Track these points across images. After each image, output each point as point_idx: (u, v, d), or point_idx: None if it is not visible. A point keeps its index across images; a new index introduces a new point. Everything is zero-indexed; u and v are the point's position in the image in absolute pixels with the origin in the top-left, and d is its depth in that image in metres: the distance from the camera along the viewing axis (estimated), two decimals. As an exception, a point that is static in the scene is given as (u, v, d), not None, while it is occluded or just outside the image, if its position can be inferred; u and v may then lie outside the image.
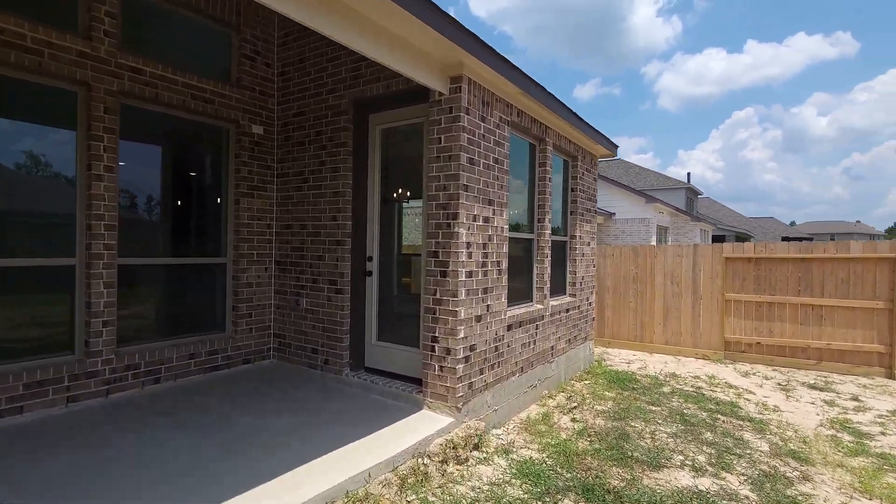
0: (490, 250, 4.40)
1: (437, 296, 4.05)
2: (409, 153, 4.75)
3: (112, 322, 4.06)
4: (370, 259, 4.82)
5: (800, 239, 41.90)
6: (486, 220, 4.33)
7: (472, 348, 4.13)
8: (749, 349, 7.77)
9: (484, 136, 4.27)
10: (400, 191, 4.80)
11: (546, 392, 5.58)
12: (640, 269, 8.74)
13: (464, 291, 4.01)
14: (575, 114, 5.70)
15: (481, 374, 4.28)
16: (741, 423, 4.81)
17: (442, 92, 3.97)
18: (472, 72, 4.02)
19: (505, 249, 4.66)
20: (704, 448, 4.09)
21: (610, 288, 8.99)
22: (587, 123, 6.10)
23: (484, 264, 4.30)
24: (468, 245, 4.07)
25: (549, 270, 5.60)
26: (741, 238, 32.55)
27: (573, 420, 4.71)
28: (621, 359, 7.91)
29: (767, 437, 4.47)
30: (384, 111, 4.67)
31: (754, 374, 6.99)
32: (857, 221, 76.58)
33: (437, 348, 4.04)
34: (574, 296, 6.48)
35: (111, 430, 3.47)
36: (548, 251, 5.59)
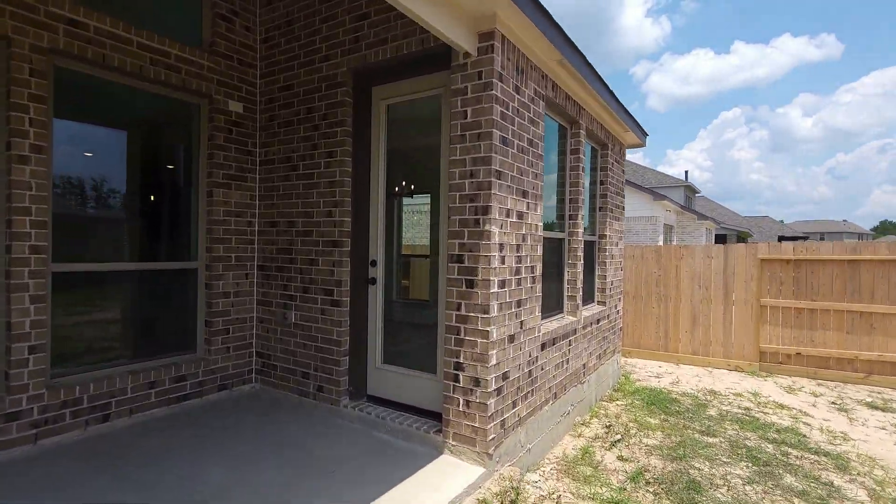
0: (524, 253, 3.56)
1: (462, 311, 3.19)
2: (423, 134, 3.89)
3: (43, 347, 3.15)
4: (374, 263, 3.95)
5: (795, 238, 41.71)
6: (521, 215, 3.49)
7: (504, 376, 3.29)
8: (787, 360, 7.03)
9: (518, 111, 3.42)
10: (411, 180, 3.93)
11: (579, 418, 4.76)
12: (664, 272, 7.97)
13: (496, 306, 3.16)
14: (612, 93, 4.88)
15: (514, 407, 3.44)
16: (817, 458, 4.03)
17: (469, 52, 3.12)
18: (506, 28, 3.17)
19: (539, 252, 3.82)
20: (795, 501, 3.30)
21: (630, 292, 8.21)
22: (623, 106, 5.29)
23: (518, 271, 3.46)
24: (501, 247, 3.22)
25: (581, 276, 4.78)
26: (742, 237, 32.12)
27: (621, 459, 3.89)
28: (648, 372, 7.13)
29: (857, 479, 3.69)
30: (391, 82, 3.80)
31: (800, 389, 6.24)
32: (844, 221, 77.26)
33: (461, 378, 3.19)
34: (604, 303, 5.67)
35: (18, 498, 2.57)
36: (580, 253, 4.77)
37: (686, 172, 32.71)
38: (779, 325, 7.10)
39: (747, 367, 7.23)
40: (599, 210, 5.69)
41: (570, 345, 4.52)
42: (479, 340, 3.13)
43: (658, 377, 6.80)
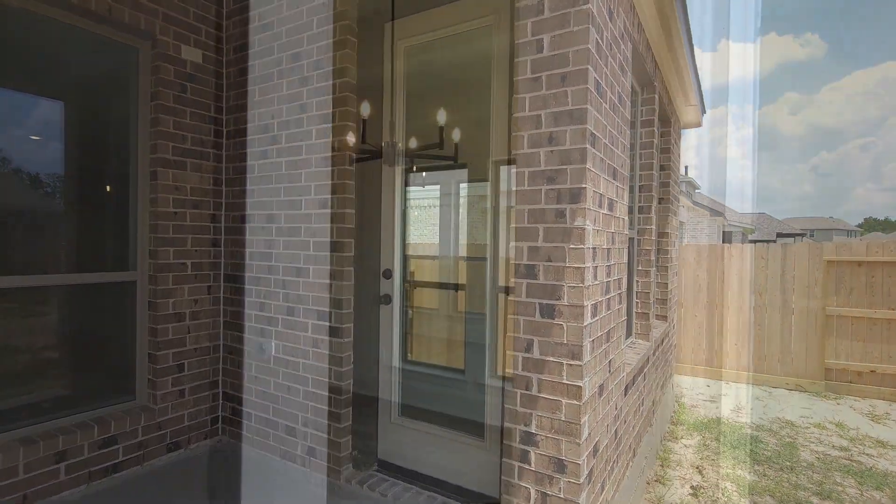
0: (613, 261, 2.42)
1: (535, 353, 2.05)
2: (461, 88, 2.73)
3: None
4: (388, 275, 2.79)
5: (792, 235, 41.30)
6: (611, 205, 2.35)
7: (595, 451, 2.16)
8: (858, 379, 6.02)
9: (611, 47, 2.28)
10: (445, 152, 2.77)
11: (650, 472, 3.66)
12: (709, 275, 6.91)
13: (589, 345, 2.02)
14: (693, 47, 3.76)
15: (602, 490, 2.31)
16: None
17: (549, -56, 1.97)
18: None
19: (625, 258, 2.69)
20: None
21: (668, 298, 7.14)
22: (696, 69, 4.18)
23: (608, 287, 2.33)
24: (594, 253, 2.08)
25: (654, 286, 3.67)
26: (746, 234, 31.45)
27: (736, 547, 2.79)
28: (697, 393, 6.07)
29: None
30: (414, 13, 2.63)
31: (886, 417, 5.23)
32: (831, 218, 77.92)
33: (533, 457, 2.05)
34: (664, 318, 4.57)
35: None
36: (653, 257, 3.66)
37: (685, 168, 31.92)
38: (848, 338, 6.08)
39: (810, 386, 6.21)
40: (660, 202, 4.58)
41: (644, 379, 3.41)
42: (563, 401, 1.99)
43: (713, 401, 5.74)
